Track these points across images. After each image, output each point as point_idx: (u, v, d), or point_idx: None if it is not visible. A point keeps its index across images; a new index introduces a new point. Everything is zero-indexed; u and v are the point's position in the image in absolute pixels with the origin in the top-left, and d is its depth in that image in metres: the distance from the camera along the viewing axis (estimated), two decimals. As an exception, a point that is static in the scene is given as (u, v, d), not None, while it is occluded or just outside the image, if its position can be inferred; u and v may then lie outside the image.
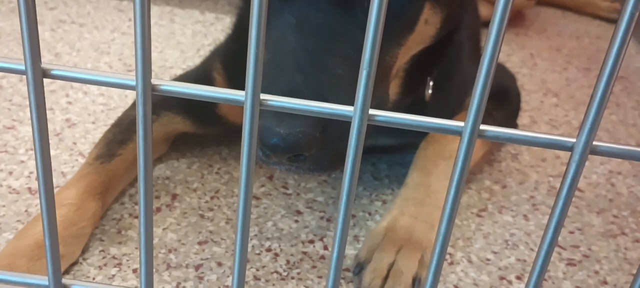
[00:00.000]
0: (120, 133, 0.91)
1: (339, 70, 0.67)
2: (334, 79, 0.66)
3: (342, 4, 0.67)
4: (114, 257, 0.80)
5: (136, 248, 0.81)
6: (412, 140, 0.96)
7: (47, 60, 1.28)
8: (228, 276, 0.78)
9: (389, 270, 0.75)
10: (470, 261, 0.86)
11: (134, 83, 0.39)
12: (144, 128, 0.40)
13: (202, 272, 0.79)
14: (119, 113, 1.02)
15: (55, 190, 0.83)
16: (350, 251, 0.85)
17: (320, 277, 0.80)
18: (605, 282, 0.85)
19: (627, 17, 0.35)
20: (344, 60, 0.67)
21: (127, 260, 0.79)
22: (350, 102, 0.67)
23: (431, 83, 0.89)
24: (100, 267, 0.78)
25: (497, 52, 0.36)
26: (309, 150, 0.64)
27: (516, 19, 1.78)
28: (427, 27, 0.75)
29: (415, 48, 0.78)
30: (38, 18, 0.38)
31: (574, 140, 0.39)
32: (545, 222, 0.47)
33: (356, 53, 0.67)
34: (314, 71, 0.65)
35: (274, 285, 0.78)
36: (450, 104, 0.94)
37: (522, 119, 1.21)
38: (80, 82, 0.40)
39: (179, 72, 1.26)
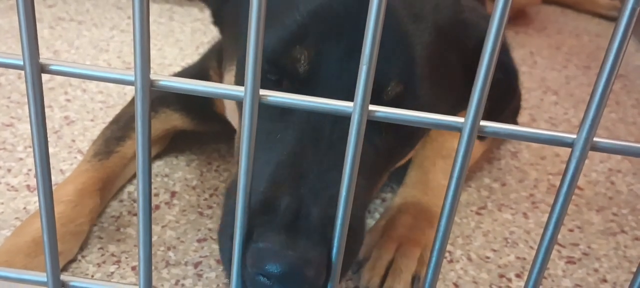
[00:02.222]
0: (119, 130, 0.91)
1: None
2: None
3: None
4: (112, 255, 0.80)
5: (135, 245, 0.81)
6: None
7: (44, 57, 1.27)
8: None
9: (387, 268, 0.75)
10: (469, 259, 0.85)
11: (132, 78, 0.39)
12: (143, 123, 0.40)
13: (201, 270, 0.79)
14: (117, 110, 1.02)
15: (54, 188, 0.83)
16: (349, 249, 0.85)
17: (319, 275, 0.80)
18: (605, 280, 0.85)
19: (627, 14, 0.35)
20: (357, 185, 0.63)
21: (126, 258, 0.79)
22: (363, 220, 0.68)
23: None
24: (98, 265, 0.78)
25: (497, 50, 0.36)
26: (320, 279, 0.52)
27: (520, 18, 1.78)
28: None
29: None
30: (37, 15, 0.38)
31: (574, 136, 0.39)
32: (545, 220, 0.47)
33: (367, 167, 0.64)
34: (320, 186, 0.58)
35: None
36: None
37: (522, 116, 1.21)
38: (78, 77, 0.40)
39: (177, 69, 1.26)
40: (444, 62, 0.69)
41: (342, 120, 0.60)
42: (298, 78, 0.62)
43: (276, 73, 0.63)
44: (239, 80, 0.67)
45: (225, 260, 0.59)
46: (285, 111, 0.63)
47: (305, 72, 0.62)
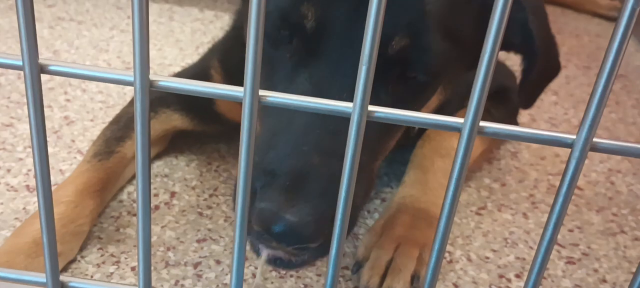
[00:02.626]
0: (119, 130, 0.91)
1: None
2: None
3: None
4: (112, 255, 0.80)
5: (134, 246, 0.81)
6: (410, 140, 0.96)
7: (45, 57, 1.27)
8: (226, 274, 0.78)
9: (387, 268, 0.75)
10: (469, 259, 0.85)
11: (132, 79, 0.39)
12: (142, 124, 0.40)
13: (201, 270, 0.79)
14: (117, 110, 1.02)
15: (53, 188, 0.83)
16: (348, 249, 0.85)
17: (319, 275, 0.80)
18: (605, 280, 0.85)
19: (627, 14, 0.35)
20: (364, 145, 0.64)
21: (126, 258, 0.79)
22: (364, 191, 0.67)
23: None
24: (98, 265, 0.78)
25: (497, 49, 0.36)
26: (318, 241, 0.57)
27: None
28: (431, 103, 0.76)
29: None
30: (36, 15, 0.38)
31: (574, 136, 0.39)
32: (545, 220, 0.47)
33: (376, 133, 0.65)
34: (331, 153, 0.59)
35: (272, 283, 0.78)
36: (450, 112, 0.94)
37: (522, 117, 1.21)
38: (78, 77, 0.40)
39: (178, 69, 1.26)
40: (460, 18, 0.67)
41: (345, 85, 0.62)
42: (306, 34, 0.63)
43: (287, 28, 0.64)
44: (265, 74, 0.69)
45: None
46: (295, 78, 0.64)
47: (312, 28, 0.63)
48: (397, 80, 0.66)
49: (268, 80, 0.66)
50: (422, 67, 0.66)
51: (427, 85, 0.70)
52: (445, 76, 0.71)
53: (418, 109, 0.73)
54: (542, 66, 0.75)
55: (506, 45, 0.73)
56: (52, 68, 0.39)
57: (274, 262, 0.62)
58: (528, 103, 0.84)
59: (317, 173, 0.58)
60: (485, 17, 0.66)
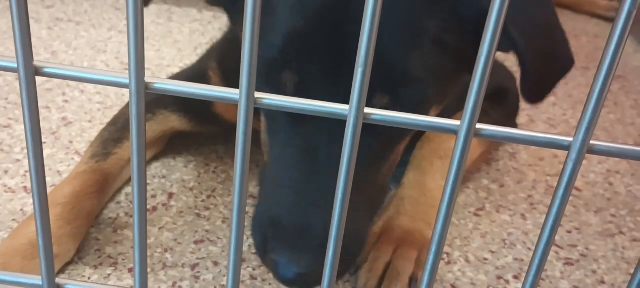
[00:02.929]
0: (116, 132, 0.91)
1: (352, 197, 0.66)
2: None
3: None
4: (109, 257, 0.79)
5: (132, 247, 0.81)
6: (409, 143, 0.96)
7: (43, 58, 1.27)
8: (224, 275, 0.78)
9: (385, 270, 0.75)
10: (467, 260, 0.85)
11: (127, 81, 0.38)
12: (138, 126, 0.40)
13: (198, 272, 0.78)
14: (115, 112, 1.02)
15: (51, 189, 0.83)
16: (347, 250, 0.84)
17: (317, 277, 0.80)
18: (603, 282, 0.85)
19: (624, 15, 0.35)
20: (356, 188, 0.67)
21: (123, 260, 0.79)
22: (365, 223, 0.70)
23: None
24: (95, 267, 0.78)
25: (493, 51, 0.36)
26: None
27: None
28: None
29: None
30: (35, 16, 0.38)
31: (571, 139, 0.39)
32: (543, 221, 0.47)
33: (365, 175, 0.68)
34: (322, 200, 0.64)
35: (270, 284, 0.78)
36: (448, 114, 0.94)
37: (520, 118, 1.21)
38: (73, 80, 0.39)
39: (176, 70, 1.26)
40: (441, 47, 0.66)
41: (338, 137, 0.63)
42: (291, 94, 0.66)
43: (270, 91, 0.65)
44: (268, 123, 0.72)
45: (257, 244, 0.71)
46: (290, 136, 0.68)
47: (293, 92, 0.65)
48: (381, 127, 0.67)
49: (272, 131, 0.71)
50: (412, 109, 0.66)
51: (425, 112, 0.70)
52: (441, 97, 0.72)
53: (404, 138, 0.75)
54: (543, 58, 0.74)
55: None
56: (47, 70, 0.39)
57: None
58: (533, 98, 0.82)
59: (316, 224, 0.64)
60: (477, 24, 0.65)
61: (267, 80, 0.65)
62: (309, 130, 0.66)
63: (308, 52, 0.63)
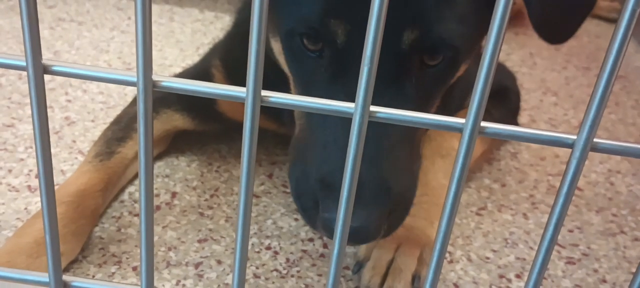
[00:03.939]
0: (120, 131, 0.91)
1: (397, 152, 0.68)
2: (394, 161, 0.67)
3: (394, 82, 0.67)
4: (113, 255, 0.80)
5: (136, 246, 0.81)
6: None
7: (46, 58, 1.28)
8: (228, 274, 0.78)
9: (388, 268, 0.75)
10: (469, 259, 0.86)
11: (135, 79, 0.39)
12: (145, 124, 0.40)
13: (202, 270, 0.79)
14: (118, 111, 1.02)
15: (55, 188, 0.83)
16: (349, 249, 0.85)
17: (320, 275, 0.80)
18: (605, 281, 0.85)
19: (627, 15, 0.35)
20: (400, 142, 0.68)
21: (127, 258, 0.79)
22: (411, 183, 0.72)
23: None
24: (99, 265, 0.78)
25: (498, 50, 0.36)
26: (379, 236, 0.67)
27: (520, 19, 1.78)
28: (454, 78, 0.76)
29: None
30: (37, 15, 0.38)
31: (574, 137, 0.39)
32: (545, 221, 0.47)
33: (409, 131, 0.69)
34: (371, 155, 0.64)
35: (273, 283, 0.78)
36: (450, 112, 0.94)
37: (522, 117, 1.21)
38: (81, 78, 0.40)
39: (178, 70, 1.26)
40: None
41: (381, 89, 0.63)
42: (337, 48, 0.66)
43: (316, 42, 0.67)
44: (287, 54, 0.71)
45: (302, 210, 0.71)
46: (331, 95, 0.67)
47: (343, 43, 0.65)
48: (418, 71, 0.68)
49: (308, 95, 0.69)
50: (438, 54, 0.68)
51: (449, 67, 0.71)
52: (462, 56, 0.71)
53: (443, 91, 0.75)
54: None
55: None
56: (55, 68, 0.40)
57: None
58: (553, 36, 0.78)
59: (368, 179, 0.64)
60: None
61: (321, 27, 0.64)
62: (349, 86, 0.65)
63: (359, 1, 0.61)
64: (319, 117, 0.68)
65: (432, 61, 0.68)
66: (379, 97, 0.64)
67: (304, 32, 0.66)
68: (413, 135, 0.72)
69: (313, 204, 0.66)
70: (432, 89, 0.72)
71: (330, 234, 0.65)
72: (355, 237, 0.64)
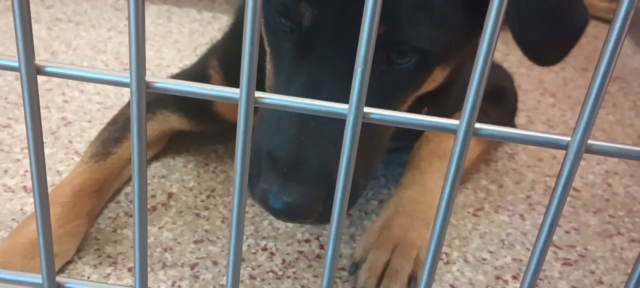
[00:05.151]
0: (116, 131, 0.91)
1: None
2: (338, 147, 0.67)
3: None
4: (109, 256, 0.80)
5: (132, 247, 0.81)
6: (407, 143, 0.96)
7: (43, 58, 1.28)
8: (223, 275, 0.78)
9: (384, 269, 0.75)
10: (466, 260, 0.86)
11: (128, 80, 0.39)
12: (139, 125, 0.40)
13: (198, 271, 0.79)
14: (115, 111, 1.02)
15: (51, 189, 0.83)
16: (346, 250, 0.85)
17: (316, 276, 0.80)
18: (601, 282, 0.85)
19: (621, 16, 0.35)
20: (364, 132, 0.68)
21: (123, 259, 0.79)
22: (360, 174, 0.70)
23: (426, 109, 0.89)
24: (95, 266, 0.78)
25: (492, 51, 0.36)
26: (311, 218, 0.67)
27: None
28: (433, 83, 0.76)
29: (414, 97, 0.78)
30: (34, 16, 0.38)
31: (568, 138, 0.39)
32: (541, 222, 0.47)
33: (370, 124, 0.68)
34: (320, 139, 0.66)
35: (269, 284, 0.78)
36: (447, 113, 0.93)
37: (519, 118, 1.21)
38: (74, 79, 0.40)
39: (175, 70, 1.26)
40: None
41: (341, 75, 0.66)
42: (302, 30, 0.67)
43: (287, 21, 0.68)
44: (266, 29, 0.72)
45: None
46: (297, 69, 0.69)
47: (308, 26, 0.66)
48: (385, 66, 0.68)
49: (277, 69, 0.71)
50: (405, 53, 0.68)
51: (420, 69, 0.70)
52: (435, 60, 0.71)
53: (409, 95, 0.74)
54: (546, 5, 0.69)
55: None
56: (48, 69, 0.39)
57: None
58: (539, 58, 0.73)
59: (311, 160, 0.65)
60: None
61: (291, 8, 0.66)
62: (313, 68, 0.67)
63: None
64: (283, 88, 0.70)
65: (400, 60, 0.68)
66: (338, 82, 0.66)
67: (278, 10, 0.68)
68: (375, 128, 0.70)
69: (258, 173, 0.67)
70: (399, 88, 0.71)
71: (265, 205, 0.65)
72: (284, 211, 0.64)
